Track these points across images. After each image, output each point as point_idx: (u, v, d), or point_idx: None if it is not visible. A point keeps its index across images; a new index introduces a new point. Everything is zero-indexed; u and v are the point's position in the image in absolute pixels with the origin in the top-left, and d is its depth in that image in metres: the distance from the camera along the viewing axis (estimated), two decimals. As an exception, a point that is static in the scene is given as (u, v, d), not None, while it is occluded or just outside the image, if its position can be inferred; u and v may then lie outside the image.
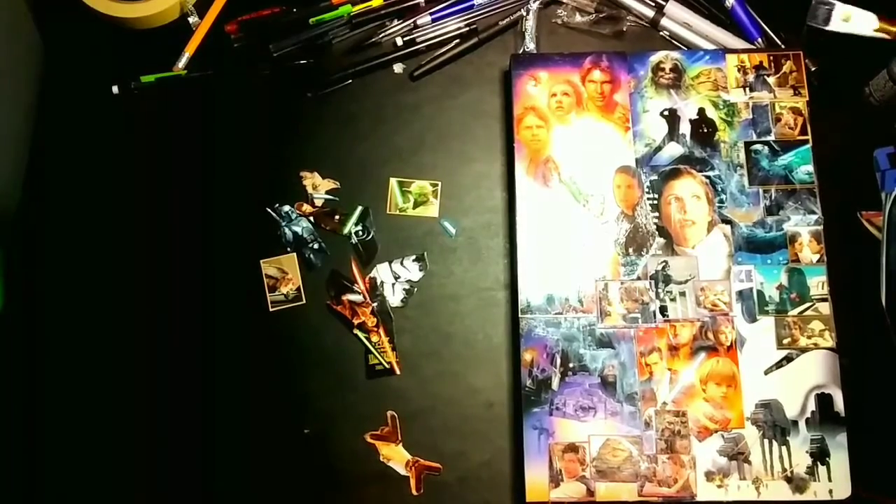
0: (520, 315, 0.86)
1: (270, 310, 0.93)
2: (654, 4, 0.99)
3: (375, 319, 0.91)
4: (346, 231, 0.94)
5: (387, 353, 0.90)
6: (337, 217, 0.94)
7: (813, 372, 0.84)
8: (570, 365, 0.84)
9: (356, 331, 0.91)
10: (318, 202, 0.95)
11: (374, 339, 0.90)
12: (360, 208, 0.95)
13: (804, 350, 0.84)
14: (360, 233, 0.94)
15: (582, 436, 0.83)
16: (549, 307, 0.86)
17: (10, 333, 0.92)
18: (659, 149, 0.90)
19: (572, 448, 0.82)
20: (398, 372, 0.91)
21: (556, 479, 0.82)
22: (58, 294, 0.94)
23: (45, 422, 0.90)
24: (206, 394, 0.91)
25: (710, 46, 0.97)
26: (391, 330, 0.91)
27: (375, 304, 0.92)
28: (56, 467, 0.89)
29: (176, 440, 0.89)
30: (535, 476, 0.82)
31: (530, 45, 0.98)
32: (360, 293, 0.92)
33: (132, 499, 0.88)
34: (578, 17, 0.99)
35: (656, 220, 0.88)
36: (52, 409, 0.90)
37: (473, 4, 1.00)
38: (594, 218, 0.88)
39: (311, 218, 0.94)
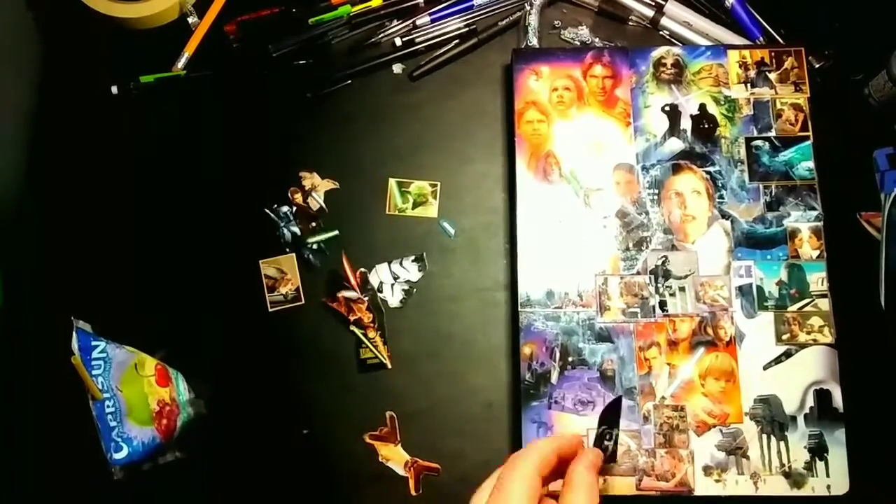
0: (519, 309, 0.92)
1: (269, 310, 0.98)
2: (653, 4, 1.05)
3: (371, 315, 0.97)
4: (307, 240, 1.00)
5: (378, 346, 0.96)
6: (313, 224, 1.01)
7: (812, 367, 0.90)
8: (570, 359, 0.90)
9: (352, 327, 0.97)
10: (313, 204, 1.01)
11: (371, 334, 0.97)
12: (335, 233, 1.01)
13: (803, 346, 0.90)
14: (316, 250, 1.00)
15: (580, 429, 0.88)
16: (549, 301, 0.92)
17: (10, 333, 0.97)
18: (660, 144, 0.96)
19: (570, 442, 0.89)
20: (389, 365, 0.96)
21: (553, 473, 0.88)
22: (58, 294, 0.99)
23: (46, 422, 0.95)
24: (206, 394, 0.96)
25: (712, 45, 1.03)
26: (382, 323, 0.97)
27: (367, 297, 0.97)
28: (56, 468, 0.94)
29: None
30: (533, 470, 0.88)
31: (533, 41, 1.04)
32: (354, 290, 0.98)
33: (130, 499, 0.92)
34: (573, 31, 1.07)
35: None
36: (53, 410, 0.95)
37: (473, 5, 1.06)
38: (594, 212, 0.95)
39: (295, 208, 1.01)
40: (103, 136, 1.05)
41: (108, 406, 0.85)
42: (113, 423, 0.85)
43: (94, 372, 0.86)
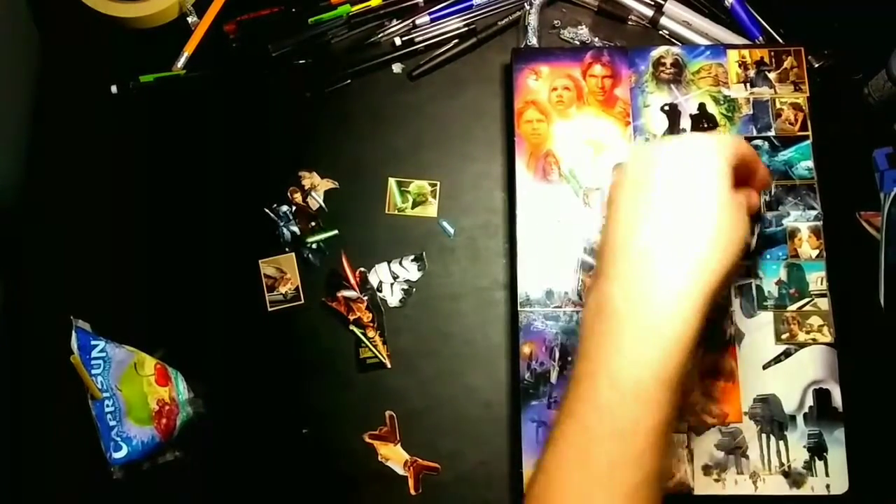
0: (519, 308, 0.92)
1: (269, 310, 0.99)
2: (653, 4, 1.05)
3: (371, 315, 0.97)
4: (306, 240, 1.00)
5: (378, 346, 0.97)
6: (313, 223, 1.01)
7: (811, 367, 0.90)
8: (569, 358, 0.90)
9: (352, 326, 0.97)
10: (313, 203, 1.01)
11: (370, 334, 0.97)
12: (334, 233, 1.01)
13: (803, 345, 0.90)
14: (316, 250, 1.01)
15: None
16: (549, 301, 0.92)
17: (10, 333, 0.97)
18: (659, 144, 0.97)
19: (569, 441, 0.89)
20: (388, 365, 0.96)
21: (552, 473, 0.88)
22: (57, 293, 0.99)
23: (46, 422, 0.95)
24: (203, 394, 0.96)
25: (711, 45, 1.04)
26: (381, 323, 0.97)
27: (366, 297, 0.98)
28: (56, 467, 0.95)
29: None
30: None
31: (532, 40, 1.04)
32: (353, 289, 0.98)
33: (129, 498, 0.93)
34: (572, 31, 1.07)
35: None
36: (52, 410, 0.95)
37: (472, 4, 1.07)
38: (594, 212, 0.95)
39: (294, 207, 1.01)
40: (103, 136, 1.05)
41: (107, 405, 0.86)
42: (112, 423, 0.86)
43: (93, 371, 0.86)
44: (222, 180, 1.03)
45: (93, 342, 0.88)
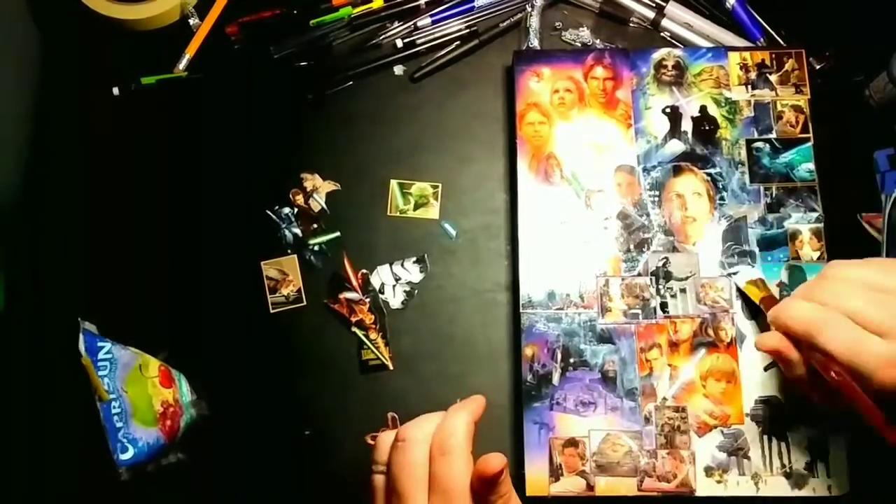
0: (521, 310, 0.93)
1: (271, 311, 0.99)
2: (654, 5, 1.06)
3: (373, 316, 0.98)
4: (308, 242, 1.01)
5: (380, 347, 0.97)
6: (315, 225, 1.02)
7: (812, 368, 0.91)
8: (571, 360, 0.91)
9: (354, 328, 0.98)
10: (315, 205, 1.02)
11: (372, 336, 0.98)
12: (336, 235, 1.02)
13: (804, 346, 0.92)
14: (318, 252, 1.01)
15: (582, 431, 0.89)
16: (551, 302, 0.93)
17: (11, 334, 0.98)
18: (661, 146, 0.98)
19: (572, 443, 0.89)
20: (391, 367, 0.97)
21: (556, 474, 0.88)
22: (58, 294, 1.00)
23: (46, 423, 0.96)
24: (207, 396, 0.97)
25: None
26: (384, 325, 0.98)
27: (368, 299, 0.99)
28: (56, 469, 0.95)
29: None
30: (536, 470, 0.88)
31: (534, 42, 1.05)
32: (355, 291, 0.99)
33: (132, 500, 0.92)
34: (573, 33, 1.08)
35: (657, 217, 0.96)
36: (53, 411, 0.96)
37: (474, 6, 1.07)
38: (595, 214, 0.96)
39: (296, 209, 1.02)
40: (104, 138, 1.06)
41: (114, 407, 0.86)
42: (119, 424, 0.86)
43: (100, 373, 0.86)
44: (224, 182, 1.04)
45: (99, 344, 0.88)
